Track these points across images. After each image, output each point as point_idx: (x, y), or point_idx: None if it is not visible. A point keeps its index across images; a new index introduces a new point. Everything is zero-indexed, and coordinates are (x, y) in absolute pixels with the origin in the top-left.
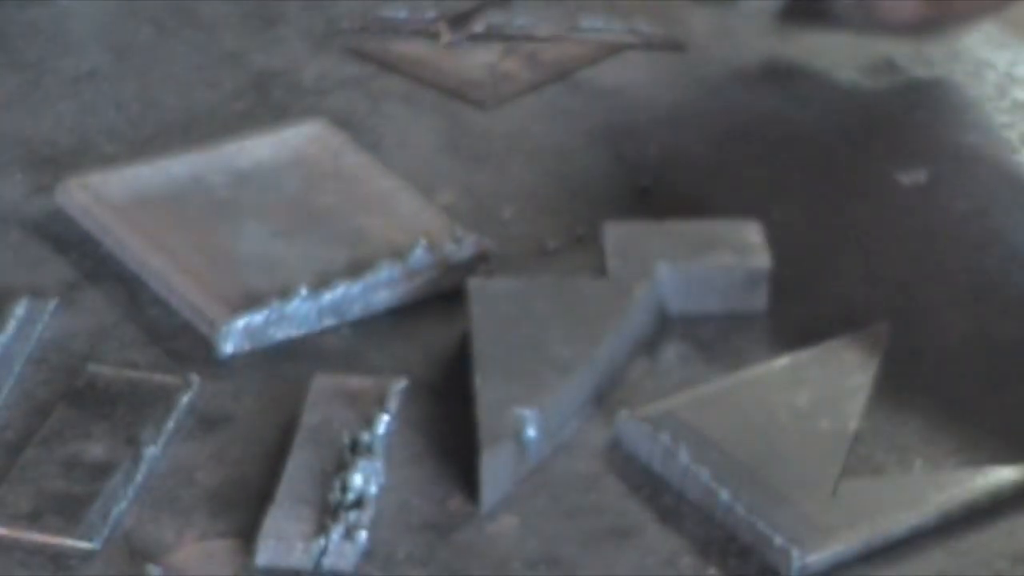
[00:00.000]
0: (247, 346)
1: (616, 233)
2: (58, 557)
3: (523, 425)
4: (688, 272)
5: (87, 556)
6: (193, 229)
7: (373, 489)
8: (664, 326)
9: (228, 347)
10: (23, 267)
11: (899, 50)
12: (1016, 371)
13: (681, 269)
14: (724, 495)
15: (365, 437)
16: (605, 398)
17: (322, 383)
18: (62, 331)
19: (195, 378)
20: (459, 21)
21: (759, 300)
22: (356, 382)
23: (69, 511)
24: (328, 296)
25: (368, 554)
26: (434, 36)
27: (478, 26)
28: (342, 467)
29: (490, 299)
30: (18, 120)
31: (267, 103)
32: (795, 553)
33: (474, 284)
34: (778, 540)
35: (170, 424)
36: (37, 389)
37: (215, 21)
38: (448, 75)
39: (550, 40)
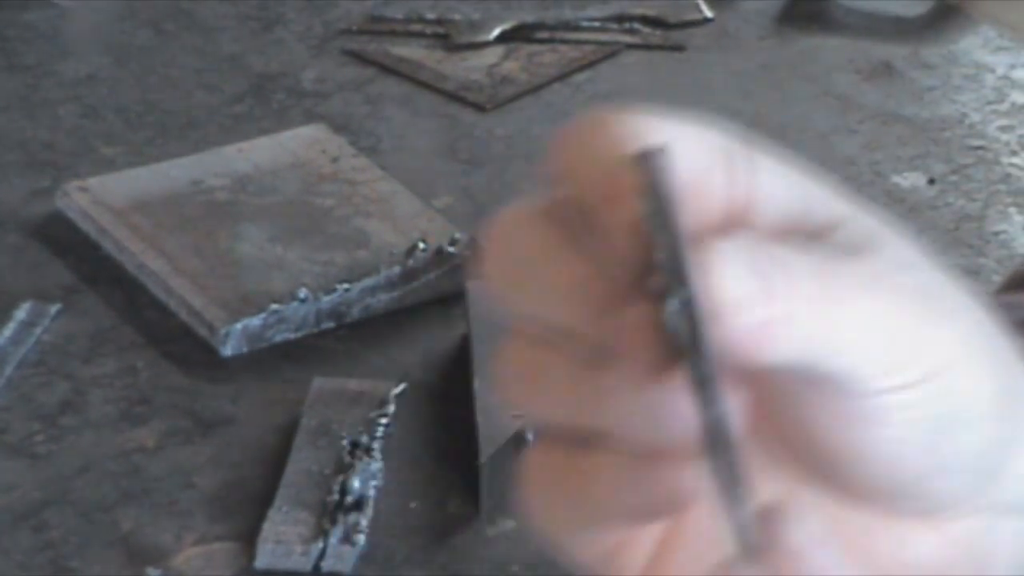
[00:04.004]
0: (246, 349)
1: None
2: (57, 559)
3: (522, 428)
4: None
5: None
6: (192, 232)
7: (372, 492)
8: None
9: (227, 350)
10: (22, 270)
11: (897, 53)
12: None
13: None
14: None
15: (364, 440)
16: None
17: (321, 386)
18: (61, 334)
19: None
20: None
21: None
22: (355, 385)
23: None
24: (327, 299)
25: (367, 556)
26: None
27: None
28: (341, 470)
29: (488, 302)
30: (17, 123)
31: (266, 106)
32: None
33: (473, 287)
34: None
35: None
36: (35, 391)
37: (214, 24)
38: (447, 78)
39: (549, 43)
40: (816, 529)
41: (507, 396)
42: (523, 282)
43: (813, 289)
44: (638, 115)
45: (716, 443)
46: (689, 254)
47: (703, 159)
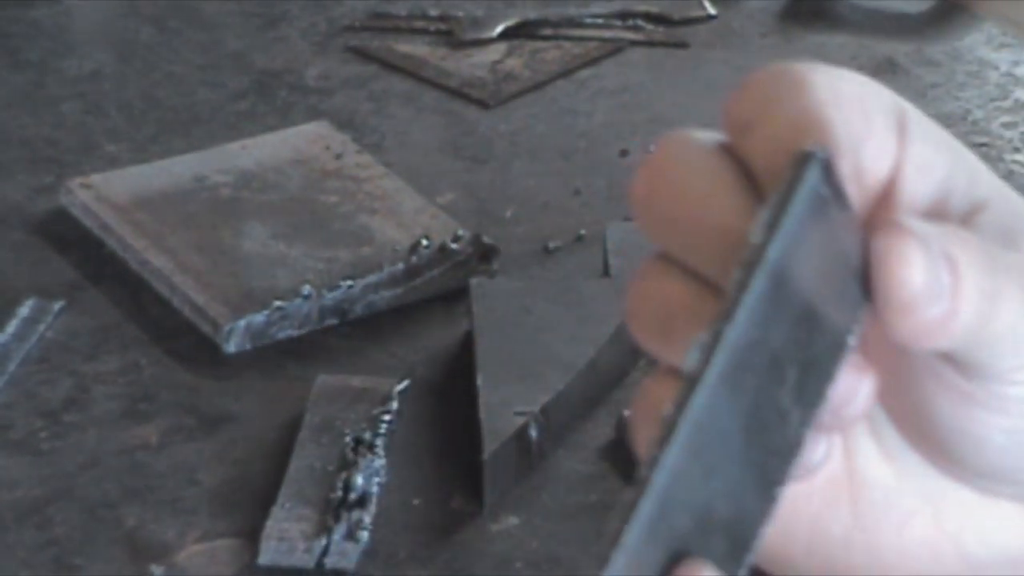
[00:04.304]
0: (249, 346)
1: (618, 233)
2: (60, 556)
3: (525, 425)
4: None
5: None
6: (195, 229)
7: (375, 488)
8: None
9: (230, 347)
10: (26, 267)
11: (901, 50)
12: None
13: None
14: None
15: (367, 436)
16: (607, 398)
17: (324, 382)
18: (64, 331)
19: None
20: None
21: None
22: (358, 381)
23: None
24: (330, 295)
25: (370, 553)
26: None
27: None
28: (344, 466)
29: (492, 299)
30: (21, 120)
31: (269, 103)
32: None
33: (476, 284)
34: None
35: None
36: (38, 388)
37: (217, 21)
38: (450, 74)
39: (553, 39)
40: None
41: (634, 332)
42: (679, 215)
43: (983, 283)
44: (823, 85)
45: (636, 495)
46: (745, 296)
47: (863, 128)
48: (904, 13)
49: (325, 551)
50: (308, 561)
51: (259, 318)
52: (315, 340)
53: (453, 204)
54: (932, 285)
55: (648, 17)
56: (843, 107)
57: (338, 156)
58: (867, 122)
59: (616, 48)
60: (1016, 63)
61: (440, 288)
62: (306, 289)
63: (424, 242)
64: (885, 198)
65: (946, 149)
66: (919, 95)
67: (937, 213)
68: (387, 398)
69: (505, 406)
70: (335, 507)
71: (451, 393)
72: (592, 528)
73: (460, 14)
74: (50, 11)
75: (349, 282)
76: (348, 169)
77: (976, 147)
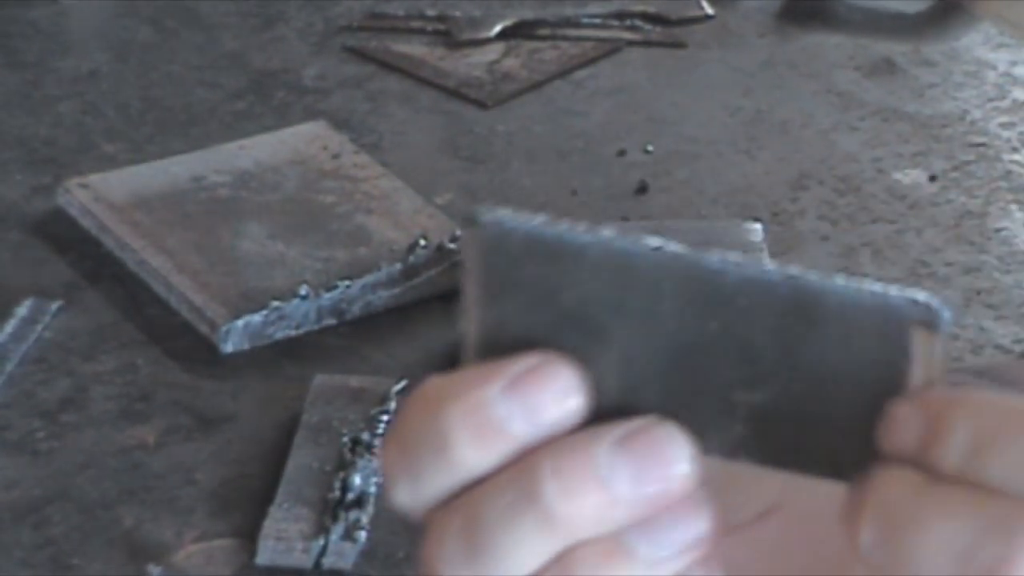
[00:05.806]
0: (247, 345)
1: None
2: (58, 556)
3: None
4: None
5: None
6: (193, 229)
7: (373, 488)
8: None
9: (228, 346)
10: (23, 267)
11: (899, 50)
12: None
13: None
14: None
15: (365, 436)
16: None
17: (322, 382)
18: (62, 331)
19: None
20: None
21: None
22: (356, 381)
23: None
24: (328, 296)
25: (367, 553)
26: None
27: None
28: (342, 466)
29: None
30: (18, 120)
31: (267, 103)
32: None
33: None
34: None
35: None
36: (36, 388)
37: (214, 21)
38: (448, 74)
39: (550, 39)
40: None
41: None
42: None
43: None
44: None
45: None
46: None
47: None
48: (902, 13)
49: (323, 551)
50: (306, 561)
51: (257, 318)
52: (313, 340)
53: (451, 204)
54: None
55: (645, 17)
56: None
57: (335, 156)
58: None
59: (613, 48)
60: (1014, 63)
61: (437, 288)
62: (304, 289)
63: (422, 242)
64: None
65: None
66: (917, 95)
67: None
68: (385, 398)
69: None
70: (333, 507)
71: None
72: None
73: (458, 14)
74: (47, 11)
75: (346, 282)
76: (346, 169)
77: (974, 147)
